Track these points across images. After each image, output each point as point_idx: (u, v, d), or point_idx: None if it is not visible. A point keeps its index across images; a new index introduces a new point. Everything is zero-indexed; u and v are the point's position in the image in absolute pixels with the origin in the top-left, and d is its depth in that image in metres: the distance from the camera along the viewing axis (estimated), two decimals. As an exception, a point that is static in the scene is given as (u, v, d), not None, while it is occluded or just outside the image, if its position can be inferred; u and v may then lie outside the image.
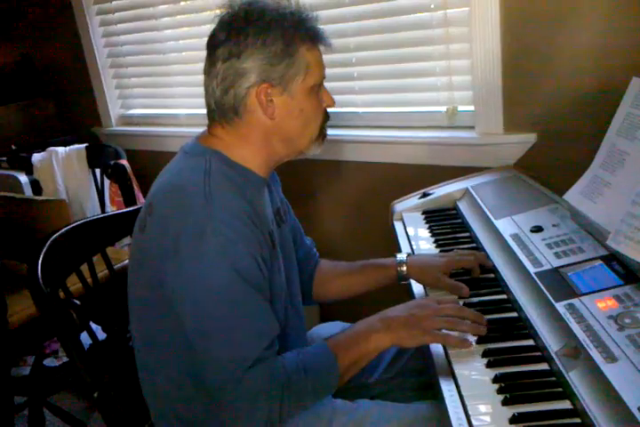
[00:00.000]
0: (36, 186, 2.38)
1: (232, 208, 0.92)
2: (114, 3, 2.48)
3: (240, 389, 0.87)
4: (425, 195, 1.57)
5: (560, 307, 0.90)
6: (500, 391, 0.82)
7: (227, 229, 0.90)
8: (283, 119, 1.00)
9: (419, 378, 1.23)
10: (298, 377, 0.91)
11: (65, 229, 1.20)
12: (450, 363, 0.92)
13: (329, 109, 1.10)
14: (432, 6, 1.68)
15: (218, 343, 0.90)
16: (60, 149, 2.42)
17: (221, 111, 1.00)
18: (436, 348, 0.97)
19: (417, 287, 1.21)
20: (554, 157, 1.54)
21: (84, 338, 1.18)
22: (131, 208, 1.31)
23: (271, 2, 1.00)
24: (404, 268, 1.21)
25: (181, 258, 0.90)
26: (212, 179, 0.94)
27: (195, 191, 0.92)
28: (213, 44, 1.00)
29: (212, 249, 0.89)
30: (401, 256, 1.23)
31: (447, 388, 0.86)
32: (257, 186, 1.03)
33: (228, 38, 0.97)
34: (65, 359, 2.13)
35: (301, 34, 0.98)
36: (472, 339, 0.94)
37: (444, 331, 0.95)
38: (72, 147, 2.44)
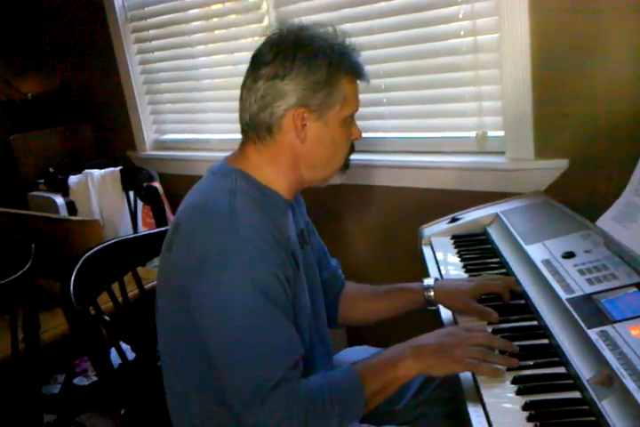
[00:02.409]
0: (72, 207, 2.45)
1: (256, 227, 0.93)
2: (151, 31, 2.57)
3: (263, 410, 0.86)
4: (454, 220, 1.56)
5: (592, 334, 0.88)
6: (530, 419, 0.80)
7: (250, 248, 0.91)
8: (313, 145, 1.02)
9: (446, 407, 1.21)
10: (322, 401, 0.89)
11: (97, 247, 1.22)
12: (478, 390, 0.90)
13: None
14: (462, 33, 1.70)
15: (240, 362, 0.89)
16: (96, 172, 2.49)
17: (254, 127, 1.02)
18: (465, 374, 0.95)
19: (445, 313, 1.20)
20: (586, 182, 1.52)
21: (114, 358, 1.19)
22: (161, 228, 1.33)
23: (320, 30, 1.03)
24: (432, 293, 1.19)
25: (205, 276, 0.91)
26: (236, 198, 0.95)
27: (219, 210, 0.94)
28: (259, 62, 1.01)
29: (235, 268, 0.90)
30: (428, 281, 1.21)
31: (475, 415, 0.85)
32: (281, 207, 1.04)
33: (274, 59, 0.99)
34: (94, 379, 2.15)
35: (345, 66, 1.01)
36: (503, 367, 0.92)
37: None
38: (107, 170, 2.51)
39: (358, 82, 1.06)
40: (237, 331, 0.90)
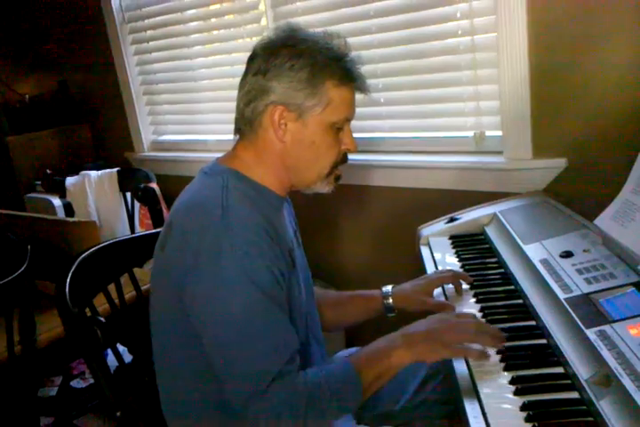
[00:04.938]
0: (69, 209, 2.44)
1: (249, 223, 0.93)
2: (148, 32, 2.57)
3: (262, 404, 0.86)
4: (452, 220, 1.56)
5: (591, 334, 0.88)
6: (528, 420, 0.80)
7: (244, 244, 0.91)
8: (293, 146, 1.02)
9: (444, 407, 1.20)
10: (321, 393, 0.89)
11: (93, 249, 1.22)
12: (477, 390, 0.89)
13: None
14: (459, 32, 1.70)
15: (238, 358, 0.90)
16: (93, 173, 2.49)
17: (241, 123, 1.04)
18: (462, 373, 0.95)
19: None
20: (584, 182, 1.52)
21: (111, 360, 1.18)
22: (158, 229, 1.33)
23: (318, 35, 1.03)
24: (391, 300, 1.21)
25: (200, 273, 0.91)
26: (228, 195, 0.96)
27: (212, 207, 0.94)
28: (251, 56, 1.04)
29: (230, 264, 0.90)
30: (386, 288, 1.23)
31: (473, 415, 0.84)
32: (275, 204, 1.05)
33: (262, 54, 1.01)
34: (92, 381, 2.14)
35: (332, 69, 1.00)
36: (491, 351, 0.94)
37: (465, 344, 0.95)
38: (104, 171, 2.50)
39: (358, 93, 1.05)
40: (233, 326, 0.90)
